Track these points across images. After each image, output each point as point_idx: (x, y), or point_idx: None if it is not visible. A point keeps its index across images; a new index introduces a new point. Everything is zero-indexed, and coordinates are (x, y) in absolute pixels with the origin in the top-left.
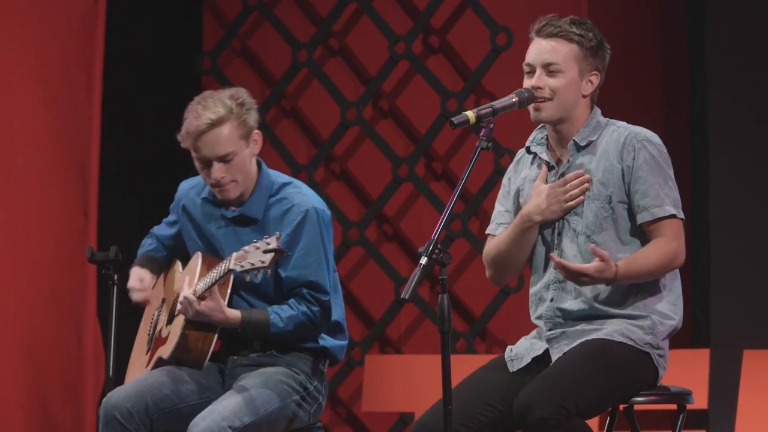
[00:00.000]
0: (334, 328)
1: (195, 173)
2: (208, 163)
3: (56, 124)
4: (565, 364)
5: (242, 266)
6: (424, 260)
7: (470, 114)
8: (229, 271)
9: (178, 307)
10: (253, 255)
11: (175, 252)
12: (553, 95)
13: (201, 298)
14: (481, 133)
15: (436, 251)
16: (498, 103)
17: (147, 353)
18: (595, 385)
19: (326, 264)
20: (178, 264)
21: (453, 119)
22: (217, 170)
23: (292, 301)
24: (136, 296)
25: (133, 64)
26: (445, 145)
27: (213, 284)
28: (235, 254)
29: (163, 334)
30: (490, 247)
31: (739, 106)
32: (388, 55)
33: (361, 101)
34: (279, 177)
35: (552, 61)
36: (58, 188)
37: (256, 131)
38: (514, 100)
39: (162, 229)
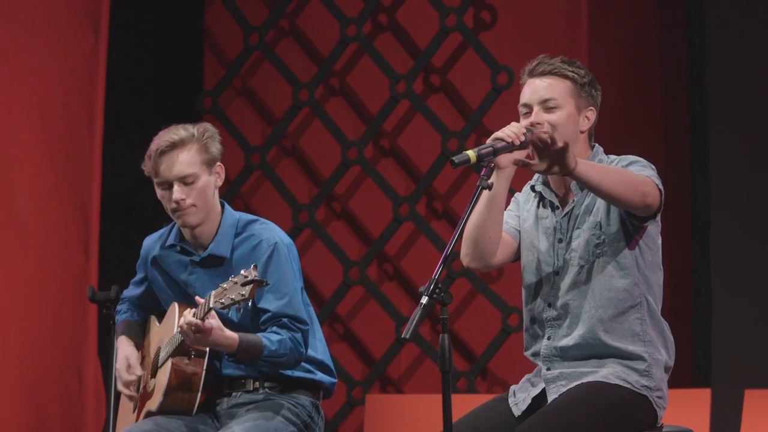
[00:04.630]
0: (321, 368)
1: None
2: (169, 186)
3: (57, 162)
4: (559, 405)
5: (222, 302)
6: (425, 299)
7: (471, 153)
8: (210, 309)
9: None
10: (231, 290)
11: (149, 310)
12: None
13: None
14: (482, 173)
15: (437, 290)
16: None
17: (134, 412)
18: (589, 427)
19: (300, 296)
20: (154, 320)
21: (454, 158)
22: (177, 192)
23: (275, 328)
24: (121, 389)
25: (134, 103)
26: (446, 184)
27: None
28: (213, 292)
29: (149, 389)
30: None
31: (740, 144)
32: (389, 95)
33: (362, 140)
34: (243, 215)
35: (549, 96)
36: (59, 227)
37: (219, 164)
38: None
39: (131, 291)
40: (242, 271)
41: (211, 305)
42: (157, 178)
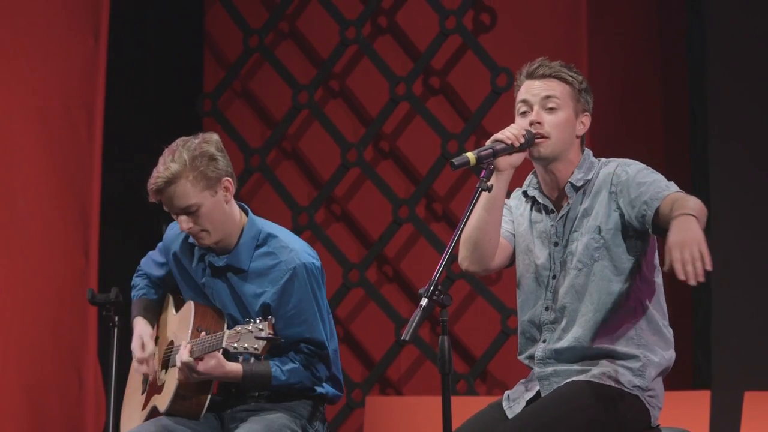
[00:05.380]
0: (331, 381)
1: None
2: (177, 215)
3: (57, 165)
4: (544, 404)
5: (234, 347)
6: (424, 301)
7: (470, 155)
8: (222, 348)
9: (178, 370)
10: (245, 338)
11: (168, 289)
12: (551, 132)
13: (198, 359)
14: (482, 175)
15: (437, 292)
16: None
17: (142, 394)
18: (571, 426)
19: (320, 317)
20: (171, 303)
21: (453, 160)
22: (184, 222)
23: (291, 353)
24: (137, 367)
25: (134, 105)
26: (446, 186)
27: (206, 353)
28: (228, 332)
29: (158, 382)
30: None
31: (740, 144)
32: (389, 97)
33: (361, 143)
34: (266, 226)
35: (551, 94)
36: (59, 230)
37: (226, 178)
38: None
39: (151, 268)
40: (258, 321)
41: (223, 345)
42: (164, 207)
